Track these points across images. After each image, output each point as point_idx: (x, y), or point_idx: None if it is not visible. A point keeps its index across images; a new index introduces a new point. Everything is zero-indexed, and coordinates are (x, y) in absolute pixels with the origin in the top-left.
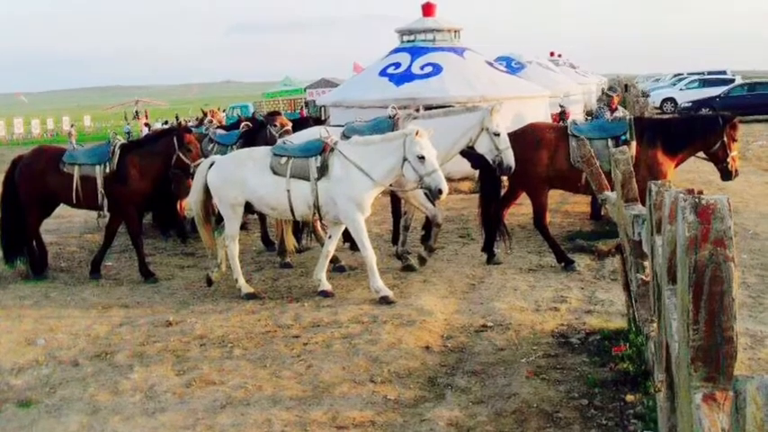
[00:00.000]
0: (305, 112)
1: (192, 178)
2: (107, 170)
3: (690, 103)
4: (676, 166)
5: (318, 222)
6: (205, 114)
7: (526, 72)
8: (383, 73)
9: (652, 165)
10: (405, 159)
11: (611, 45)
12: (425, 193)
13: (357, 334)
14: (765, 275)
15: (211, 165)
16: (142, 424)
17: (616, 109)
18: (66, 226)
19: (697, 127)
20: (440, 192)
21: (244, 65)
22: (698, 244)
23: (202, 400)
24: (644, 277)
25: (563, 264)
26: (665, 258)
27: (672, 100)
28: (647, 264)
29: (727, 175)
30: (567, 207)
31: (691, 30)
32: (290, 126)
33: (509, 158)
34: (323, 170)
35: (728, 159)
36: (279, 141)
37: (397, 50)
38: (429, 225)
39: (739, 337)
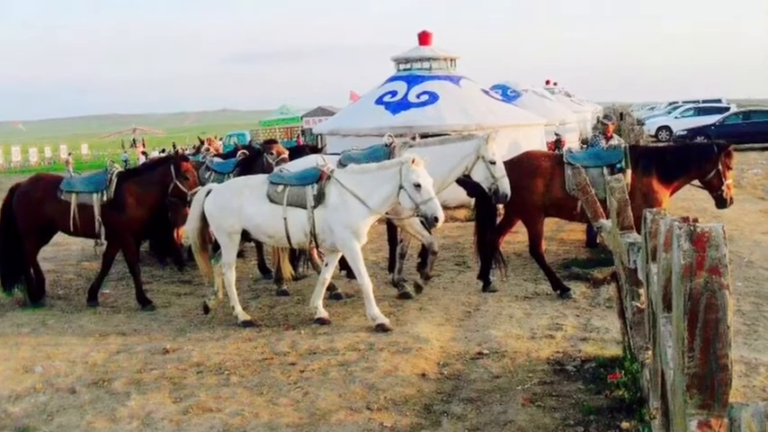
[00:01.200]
0: (301, 140)
1: (189, 206)
2: (104, 198)
3: (685, 132)
4: (671, 194)
5: (315, 250)
6: (202, 142)
7: (522, 100)
8: (379, 101)
9: (647, 193)
10: (401, 187)
11: (606, 73)
12: (421, 221)
13: (353, 361)
14: (760, 303)
15: (208, 193)
16: None
17: (611, 137)
18: (64, 254)
19: (692, 155)
20: (436, 219)
21: (240, 93)
22: (693, 272)
23: (199, 427)
24: (639, 305)
25: (559, 291)
26: (661, 286)
27: (667, 128)
28: (642, 291)
29: (721, 203)
30: (562, 235)
31: (686, 59)
32: (286, 154)
33: (505, 186)
34: (319, 198)
35: (723, 187)
36: (275, 169)
37: (393, 79)
38: (425, 253)
39: (734, 365)
